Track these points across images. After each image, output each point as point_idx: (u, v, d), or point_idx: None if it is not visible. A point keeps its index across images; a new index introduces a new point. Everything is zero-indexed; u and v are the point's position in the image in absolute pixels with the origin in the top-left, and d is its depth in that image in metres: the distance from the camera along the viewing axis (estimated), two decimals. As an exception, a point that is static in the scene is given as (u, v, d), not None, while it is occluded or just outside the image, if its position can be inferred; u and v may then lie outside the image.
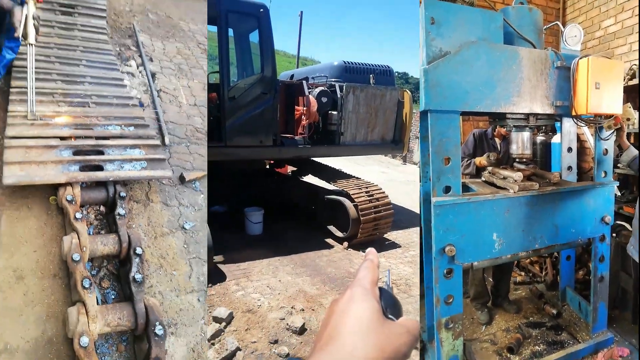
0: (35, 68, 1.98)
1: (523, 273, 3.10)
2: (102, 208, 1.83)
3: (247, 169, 4.74)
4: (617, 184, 2.33)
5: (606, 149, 2.13)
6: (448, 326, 1.72)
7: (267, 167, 5.46)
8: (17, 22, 1.91)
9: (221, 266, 3.42)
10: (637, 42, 3.48)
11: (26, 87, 1.98)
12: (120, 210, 1.71)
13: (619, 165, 2.87)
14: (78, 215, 1.60)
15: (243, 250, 3.76)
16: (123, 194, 1.77)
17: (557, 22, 2.03)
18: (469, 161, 2.51)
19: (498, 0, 4.12)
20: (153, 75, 2.98)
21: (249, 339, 2.41)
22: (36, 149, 1.75)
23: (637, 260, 1.97)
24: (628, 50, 3.71)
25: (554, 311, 2.48)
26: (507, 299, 2.67)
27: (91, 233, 1.73)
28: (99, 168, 1.78)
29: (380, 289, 0.47)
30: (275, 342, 2.38)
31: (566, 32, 1.89)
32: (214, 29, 4.14)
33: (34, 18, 1.96)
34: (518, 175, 1.92)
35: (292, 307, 2.75)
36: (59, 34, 2.70)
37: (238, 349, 2.27)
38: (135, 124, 2.07)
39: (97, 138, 1.94)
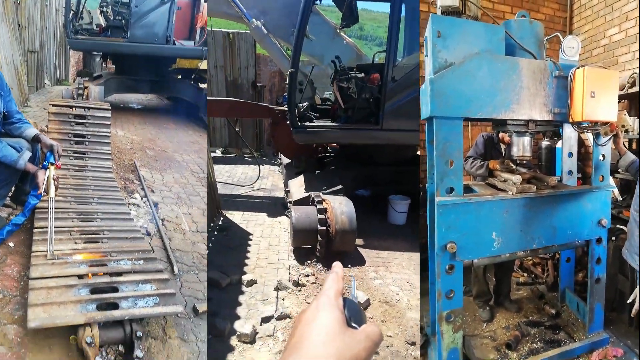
0: (55, 208, 2.23)
1: (525, 274, 3.19)
2: (121, 348, 1.82)
3: (398, 154, 4.39)
4: (614, 188, 2.42)
5: (603, 155, 2.23)
6: (449, 319, 1.83)
7: (419, 153, 5.20)
8: (41, 182, 2.28)
9: (361, 250, 3.40)
10: (639, 51, 3.56)
11: (46, 227, 2.17)
12: (138, 352, 1.70)
13: (619, 170, 2.95)
14: (98, 359, 1.62)
15: (384, 239, 3.62)
16: (139, 333, 1.77)
17: (558, 33, 2.13)
18: (482, 162, 2.57)
19: (507, 11, 4.23)
20: (156, 205, 3.21)
21: (385, 331, 2.35)
22: (57, 289, 1.82)
23: (632, 264, 2.05)
24: (632, 58, 3.79)
25: (553, 311, 2.57)
26: (509, 298, 2.76)
27: None
28: (115, 305, 1.81)
29: (345, 298, 0.50)
30: (413, 344, 2.25)
31: (564, 43, 2.00)
32: (383, 7, 4.02)
33: (54, 179, 2.31)
34: (517, 178, 2.03)
35: (419, 293, 2.57)
36: (73, 175, 3.06)
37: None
38: (144, 257, 2.18)
39: (111, 275, 2.00)
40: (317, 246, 3.14)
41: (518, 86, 1.84)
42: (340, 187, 3.88)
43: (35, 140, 2.53)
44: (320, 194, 3.51)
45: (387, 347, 2.23)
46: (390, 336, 2.33)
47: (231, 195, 4.72)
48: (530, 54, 1.96)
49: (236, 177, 5.66)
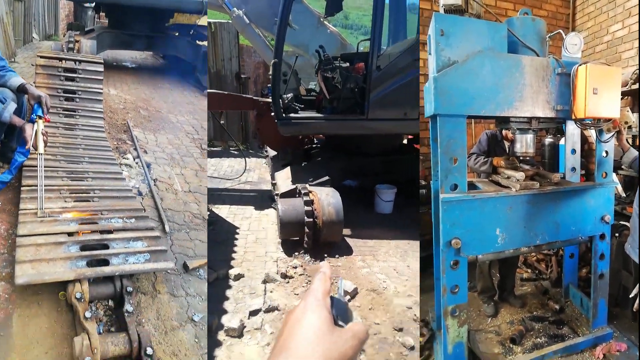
0: (44, 166, 2.17)
1: (530, 270, 3.20)
2: (110, 302, 1.83)
3: (385, 144, 4.33)
4: (617, 184, 2.43)
5: (606, 151, 2.24)
6: (454, 314, 1.86)
7: (405, 142, 5.02)
8: (29, 136, 2.15)
9: (348, 240, 3.42)
10: (638, 48, 3.55)
11: (36, 186, 2.12)
12: (128, 307, 1.70)
13: (623, 167, 2.96)
14: (88, 314, 1.59)
15: (371, 228, 3.65)
16: (130, 288, 1.77)
17: (560, 30, 2.15)
18: (486, 159, 2.58)
19: (509, 8, 4.23)
20: (148, 165, 3.17)
21: (372, 319, 2.37)
22: (46, 246, 1.80)
23: (634, 259, 2.07)
24: (635, 54, 3.78)
25: (557, 306, 2.59)
26: (513, 294, 2.78)
27: (101, 331, 1.70)
28: (105, 262, 1.79)
29: (332, 297, 0.51)
30: (400, 330, 2.29)
31: (567, 41, 2.01)
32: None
33: (42, 134, 2.18)
34: (520, 175, 2.05)
35: (420, 288, 2.56)
36: (62, 134, 2.93)
37: (360, 325, 2.27)
38: (135, 215, 2.15)
39: (102, 232, 1.98)
40: (304, 238, 3.12)
41: (521, 83, 1.86)
42: (326, 178, 3.84)
43: (21, 91, 2.32)
44: (307, 185, 3.47)
45: (375, 334, 2.25)
46: (378, 324, 2.35)
47: (217, 188, 4.67)
48: (532, 52, 1.97)
49: (222, 170, 5.59)
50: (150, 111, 4.52)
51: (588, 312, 2.39)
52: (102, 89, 3.34)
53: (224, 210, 4.04)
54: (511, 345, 2.24)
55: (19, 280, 1.61)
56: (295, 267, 2.94)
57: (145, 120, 4.26)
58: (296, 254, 3.15)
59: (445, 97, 1.70)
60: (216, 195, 4.37)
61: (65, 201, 2.19)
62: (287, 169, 4.14)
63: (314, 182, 3.72)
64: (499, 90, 1.81)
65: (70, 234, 1.93)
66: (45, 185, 2.12)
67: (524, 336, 2.32)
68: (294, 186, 3.58)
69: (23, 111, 2.42)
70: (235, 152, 6.50)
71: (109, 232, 2.00)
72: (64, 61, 3.17)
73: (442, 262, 1.81)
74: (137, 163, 3.21)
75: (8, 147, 2.47)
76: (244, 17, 4.46)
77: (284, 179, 3.94)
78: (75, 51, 4.46)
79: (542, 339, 2.31)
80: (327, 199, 3.22)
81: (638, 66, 3.15)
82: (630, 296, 1.88)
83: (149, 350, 1.56)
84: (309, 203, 3.17)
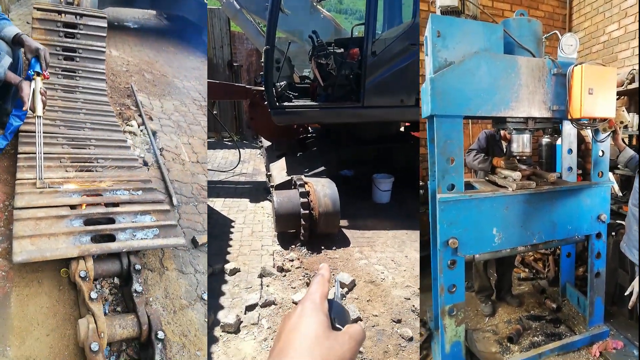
0: (42, 131, 1.94)
1: (527, 270, 3.22)
2: (116, 280, 1.71)
3: (381, 131, 4.23)
4: (614, 183, 2.44)
5: (602, 151, 2.26)
6: (451, 313, 1.87)
7: (402, 129, 4.87)
8: (26, 96, 1.88)
9: (345, 231, 3.37)
10: (639, 47, 3.58)
11: (34, 153, 1.92)
12: (137, 286, 1.59)
13: (619, 166, 2.98)
14: (93, 295, 1.47)
15: (368, 218, 3.61)
16: (138, 266, 1.65)
17: (556, 31, 2.16)
18: (486, 157, 2.59)
19: (506, 9, 4.25)
20: (154, 133, 2.96)
21: (370, 311, 2.36)
22: (46, 219, 1.65)
23: (631, 258, 2.08)
24: (631, 54, 3.81)
25: (554, 305, 2.61)
26: (510, 293, 2.80)
27: (107, 312, 1.59)
28: (111, 237, 1.66)
29: (329, 300, 0.51)
30: (399, 321, 2.28)
31: (563, 41, 2.03)
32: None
33: (41, 93, 1.92)
34: (517, 175, 2.07)
35: (419, 289, 2.54)
36: (62, 97, 2.68)
37: (359, 318, 2.25)
38: (142, 187, 2.03)
39: (107, 205, 1.83)
40: (301, 230, 3.07)
41: (517, 84, 1.87)
42: (322, 168, 3.73)
43: (16, 43, 2.03)
44: (302, 176, 3.41)
45: (373, 326, 2.25)
46: (376, 315, 2.35)
47: (211, 181, 4.60)
48: (528, 52, 1.99)
49: (216, 162, 5.50)
50: (155, 75, 4.22)
51: (585, 310, 2.41)
52: (104, 47, 2.99)
53: (218, 204, 3.99)
54: (508, 344, 2.26)
55: (17, 258, 1.47)
56: (292, 260, 2.94)
57: (150, 84, 3.97)
58: (292, 246, 3.11)
59: (442, 98, 1.71)
60: (211, 188, 4.30)
61: (67, 171, 2.01)
62: (282, 160, 4.05)
63: (310, 173, 3.65)
64: (495, 90, 1.82)
65: (72, 207, 1.77)
66: (44, 153, 1.92)
67: (521, 335, 2.33)
68: (289, 177, 3.50)
69: (19, 67, 2.12)
70: (229, 143, 6.37)
71: (115, 205, 1.85)
72: (63, 15, 2.84)
73: (439, 262, 1.82)
74: (142, 131, 2.98)
75: (2, 109, 2.19)
76: (235, 2, 4.29)
77: (279, 170, 3.88)
78: (75, 5, 4.02)
79: (540, 337, 2.32)
80: (323, 190, 3.16)
81: (638, 66, 3.16)
82: (626, 294, 1.90)
83: (160, 334, 1.45)
84: (305, 194, 3.13)
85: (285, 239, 3.24)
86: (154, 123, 3.24)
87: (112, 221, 1.77)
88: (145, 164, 2.59)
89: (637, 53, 3.63)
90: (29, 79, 1.93)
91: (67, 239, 1.60)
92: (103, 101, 2.84)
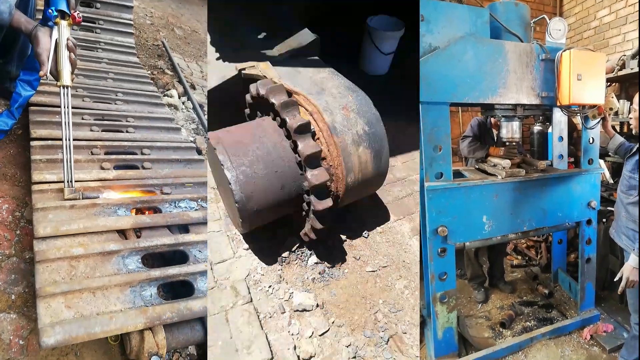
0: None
1: (520, 257, 3.24)
2: (192, 350, 1.18)
3: None
4: (604, 170, 2.44)
5: (592, 138, 2.26)
6: (443, 300, 1.87)
7: None
8: (44, 52, 1.19)
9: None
10: (634, 32, 3.56)
11: (53, 139, 1.35)
12: None
13: (609, 153, 2.98)
14: None
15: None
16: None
17: (544, 15, 2.14)
18: (482, 145, 2.53)
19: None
20: (201, 106, 2.21)
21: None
22: (86, 259, 1.07)
23: (619, 243, 2.09)
24: (622, 40, 3.80)
25: (546, 291, 2.63)
26: (503, 280, 2.81)
27: None
28: (188, 287, 1.06)
29: None
30: None
31: (551, 26, 2.00)
32: None
33: (68, 48, 1.24)
34: (506, 162, 2.06)
35: None
36: (80, 55, 1.99)
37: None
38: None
39: (170, 227, 1.21)
40: (300, 223, 1.69)
41: (504, 70, 1.85)
42: (313, 37, 1.92)
43: None
44: (278, 79, 1.60)
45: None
46: None
47: None
48: (516, 37, 1.97)
49: None
50: (186, 31, 3.34)
51: (576, 295, 2.43)
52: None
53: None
54: (501, 330, 2.27)
55: (49, 340, 0.91)
56: (290, 291, 1.80)
57: (182, 42, 3.11)
58: (285, 255, 1.91)
59: (427, 84, 1.69)
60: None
61: (102, 167, 1.40)
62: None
63: (285, 53, 1.81)
64: (482, 77, 1.80)
65: (122, 232, 1.16)
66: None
67: (513, 320, 2.35)
68: (236, 73, 1.72)
69: (30, 6, 1.43)
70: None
71: (184, 228, 1.21)
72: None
73: (429, 250, 1.81)
74: (184, 103, 2.25)
75: (4, 72, 1.50)
76: None
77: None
78: None
79: (532, 322, 2.34)
80: (348, 124, 1.54)
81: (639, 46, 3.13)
82: (615, 280, 1.91)
83: None
84: (302, 135, 1.44)
85: (265, 241, 1.96)
86: (197, 93, 2.42)
87: (184, 257, 1.13)
88: (199, 152, 1.80)
89: (630, 39, 3.61)
90: (51, 25, 1.23)
91: (122, 293, 1.02)
92: (134, 62, 2.09)
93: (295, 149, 1.53)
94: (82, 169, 1.37)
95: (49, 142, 1.41)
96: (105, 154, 1.50)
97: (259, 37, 1.99)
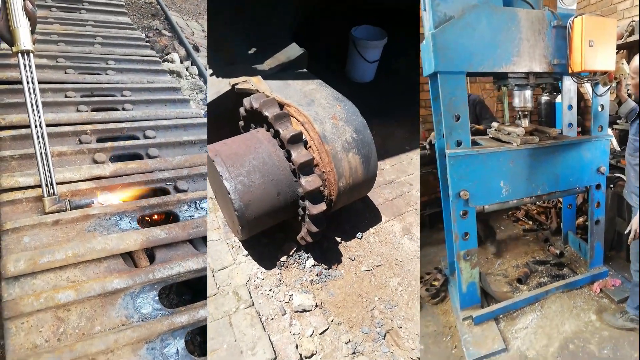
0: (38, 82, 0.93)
1: (531, 222, 3.38)
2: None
3: None
4: (612, 137, 2.52)
5: (602, 105, 2.33)
6: (466, 258, 2.02)
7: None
8: None
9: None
10: (638, -1, 3.55)
11: (28, 126, 0.94)
12: None
13: (620, 118, 3.06)
14: None
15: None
16: None
17: (555, -16, 2.18)
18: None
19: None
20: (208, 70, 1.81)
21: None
22: (78, 305, 0.76)
23: (630, 202, 2.20)
24: (630, 5, 3.78)
25: (557, 251, 2.78)
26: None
27: None
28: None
29: None
30: None
31: (562, -7, 2.05)
32: None
33: (25, 5, 0.97)
34: (520, 130, 2.16)
35: None
36: (58, 18, 1.67)
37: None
38: None
39: (193, 240, 0.94)
40: (296, 228, 1.76)
41: (517, 38, 1.92)
42: (300, 51, 1.92)
43: None
44: (271, 92, 1.64)
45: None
46: None
47: None
48: (527, 4, 2.02)
49: None
50: None
51: (586, 254, 2.57)
52: None
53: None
54: (518, 285, 2.44)
55: None
56: (290, 296, 1.86)
57: None
58: (283, 259, 2.00)
59: (445, 54, 1.75)
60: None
61: (95, 161, 1.08)
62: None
63: (275, 67, 1.83)
64: (497, 45, 1.87)
65: (128, 256, 0.88)
66: (45, 124, 0.91)
67: (529, 277, 2.52)
68: (229, 88, 1.72)
69: None
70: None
71: (203, 241, 0.91)
72: None
73: (452, 212, 1.94)
74: (187, 69, 1.93)
75: None
76: None
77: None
78: None
79: (545, 278, 2.51)
80: (336, 130, 1.57)
81: (638, 17, 3.15)
82: (625, 232, 2.03)
83: None
84: (295, 143, 1.45)
85: (264, 247, 2.02)
86: (201, 55, 2.07)
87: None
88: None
89: (637, 4, 3.61)
90: None
91: (135, 355, 0.73)
92: (125, 23, 1.78)
93: (289, 157, 1.60)
94: (68, 165, 1.00)
95: (23, 132, 1.04)
96: (98, 141, 1.16)
97: (250, 52, 2.01)
